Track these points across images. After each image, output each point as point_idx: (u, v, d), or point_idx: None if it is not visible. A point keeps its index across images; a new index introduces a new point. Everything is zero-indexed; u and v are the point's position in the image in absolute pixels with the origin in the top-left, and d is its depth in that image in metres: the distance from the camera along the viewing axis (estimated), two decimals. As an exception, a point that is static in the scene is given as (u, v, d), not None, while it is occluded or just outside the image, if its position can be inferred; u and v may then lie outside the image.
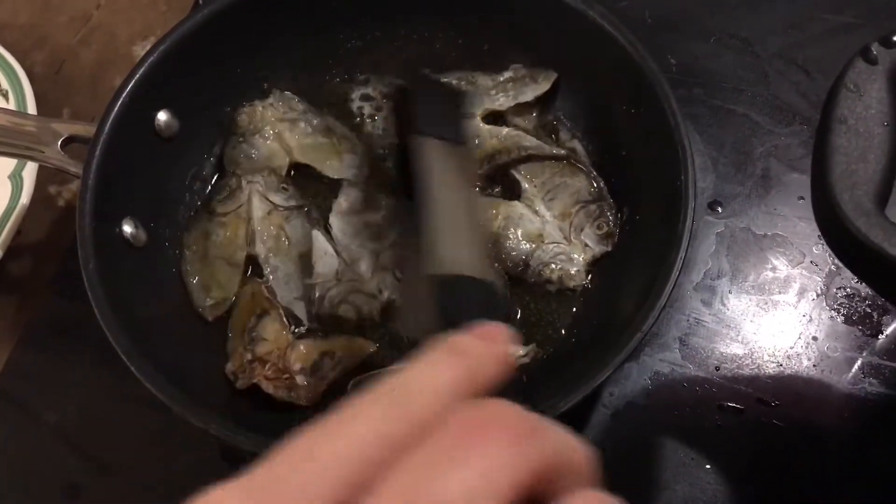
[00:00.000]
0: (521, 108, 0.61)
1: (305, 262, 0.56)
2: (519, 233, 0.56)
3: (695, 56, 0.67)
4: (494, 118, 0.61)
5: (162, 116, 0.58)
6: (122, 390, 0.50)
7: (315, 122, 0.61)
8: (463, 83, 0.62)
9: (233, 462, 0.53)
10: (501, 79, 0.61)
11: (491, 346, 0.24)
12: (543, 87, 0.60)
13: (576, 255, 0.55)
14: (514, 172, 0.58)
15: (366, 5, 0.61)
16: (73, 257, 0.49)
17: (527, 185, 0.58)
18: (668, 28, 0.68)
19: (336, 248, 0.55)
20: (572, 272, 0.55)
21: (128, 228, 0.54)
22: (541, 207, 0.57)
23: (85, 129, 0.55)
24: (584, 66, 0.59)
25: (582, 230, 0.56)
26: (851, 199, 0.34)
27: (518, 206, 0.57)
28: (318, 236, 0.56)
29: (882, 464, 0.51)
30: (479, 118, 0.60)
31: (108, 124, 0.54)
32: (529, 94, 0.60)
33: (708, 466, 0.51)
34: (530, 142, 0.59)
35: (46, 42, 0.75)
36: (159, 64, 0.57)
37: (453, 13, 0.61)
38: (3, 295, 0.62)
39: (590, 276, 0.56)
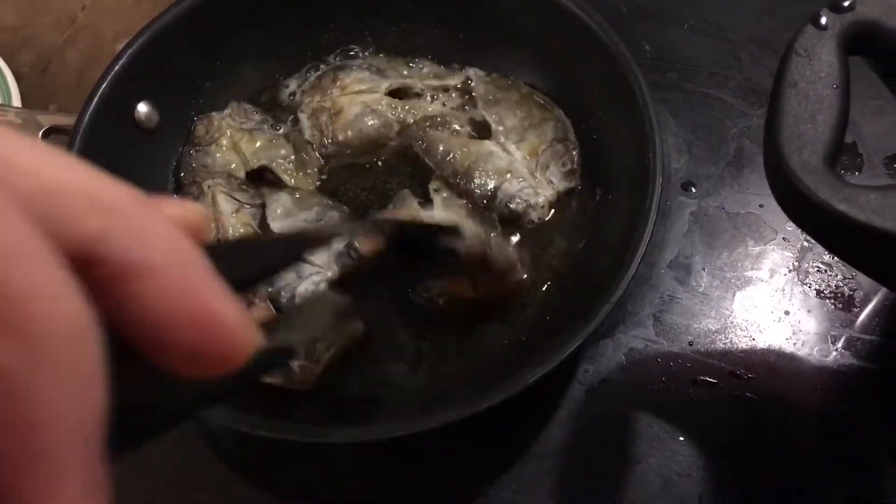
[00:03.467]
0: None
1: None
2: (488, 167, 0.58)
3: (669, 43, 0.68)
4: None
5: (142, 108, 0.59)
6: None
7: (270, 133, 0.62)
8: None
9: (217, 448, 0.54)
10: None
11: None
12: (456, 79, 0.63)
13: (541, 191, 0.58)
14: (486, 116, 0.61)
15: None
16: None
17: (499, 128, 0.60)
18: (643, 16, 0.69)
19: None
20: (536, 205, 0.57)
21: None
22: (510, 146, 0.60)
23: (66, 120, 0.56)
24: (559, 51, 0.60)
25: (548, 168, 0.59)
26: (800, 159, 0.35)
27: (488, 144, 0.60)
28: None
29: (854, 435, 0.52)
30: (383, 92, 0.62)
31: (87, 115, 0.55)
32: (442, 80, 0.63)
33: (682, 439, 0.52)
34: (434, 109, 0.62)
35: (33, 42, 0.76)
36: (139, 55, 0.58)
37: (430, 3, 0.62)
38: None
39: (553, 212, 0.58)
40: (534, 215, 0.58)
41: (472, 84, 0.63)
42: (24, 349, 0.13)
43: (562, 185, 0.59)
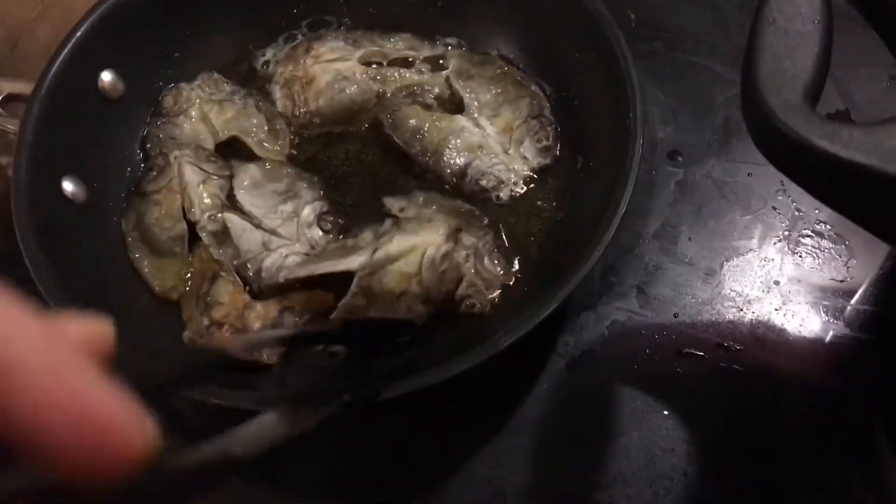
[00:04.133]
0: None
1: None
2: (458, 144, 0.56)
3: (655, 10, 0.66)
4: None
5: (106, 76, 0.57)
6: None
7: (241, 104, 0.60)
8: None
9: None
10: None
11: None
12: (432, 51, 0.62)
13: (514, 167, 0.56)
14: (459, 89, 0.58)
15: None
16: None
17: (473, 103, 0.58)
18: (629, -16, 0.67)
19: (254, 223, 0.54)
20: (508, 181, 0.55)
21: (69, 186, 0.53)
22: (483, 121, 0.57)
23: (25, 87, 0.54)
24: (538, 14, 0.58)
25: (522, 143, 0.56)
26: (778, 96, 0.33)
27: (461, 120, 0.57)
28: (232, 217, 0.54)
29: (845, 407, 0.49)
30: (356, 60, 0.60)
31: (47, 80, 0.53)
32: (416, 52, 0.61)
33: (666, 413, 0.49)
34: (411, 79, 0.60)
35: (3, 20, 0.74)
36: (103, 21, 0.56)
37: None
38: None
39: (525, 189, 0.56)
40: (505, 192, 0.55)
41: (447, 58, 0.61)
42: None
43: (536, 161, 0.56)
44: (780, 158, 0.34)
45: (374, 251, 0.50)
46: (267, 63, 0.63)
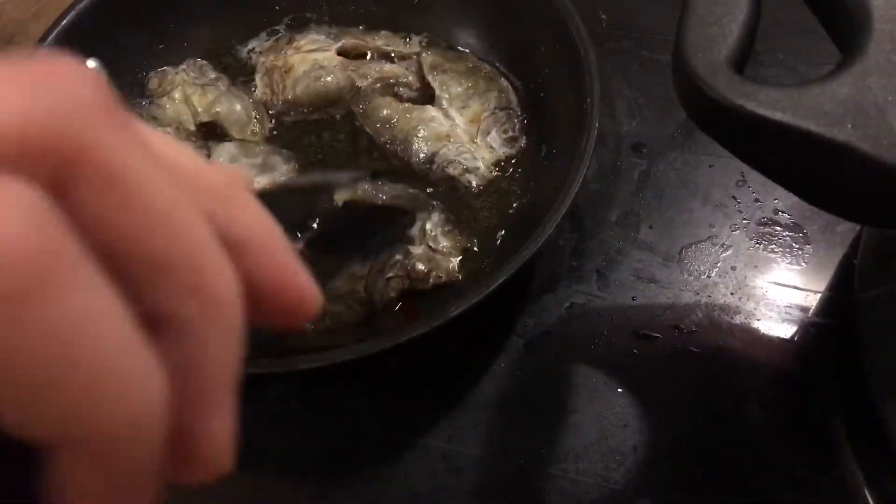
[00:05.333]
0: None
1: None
2: (427, 133, 0.58)
3: (626, 11, 0.68)
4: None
5: (90, 65, 0.59)
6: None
7: (224, 89, 0.62)
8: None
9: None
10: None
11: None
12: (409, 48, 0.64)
13: (479, 155, 0.57)
14: (431, 81, 0.61)
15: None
16: None
17: (444, 95, 0.60)
18: (600, -14, 0.70)
19: None
20: (475, 169, 0.57)
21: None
22: (452, 112, 0.59)
23: (9, 72, 0.56)
24: (507, 11, 0.60)
25: (489, 134, 0.58)
26: (701, 59, 0.34)
27: (430, 110, 0.59)
28: None
29: (797, 386, 0.50)
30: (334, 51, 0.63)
31: (31, 66, 0.55)
32: (393, 45, 0.63)
33: (620, 390, 0.50)
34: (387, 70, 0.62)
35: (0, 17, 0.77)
36: (86, 13, 0.58)
37: None
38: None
39: (491, 176, 0.57)
40: (472, 179, 0.57)
41: (422, 54, 0.63)
42: (205, 308, 0.16)
43: (502, 150, 0.58)
44: (704, 119, 0.35)
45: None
46: (251, 54, 0.65)
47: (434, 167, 0.57)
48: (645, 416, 0.49)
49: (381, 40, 0.65)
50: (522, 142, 0.59)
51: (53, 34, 0.57)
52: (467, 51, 0.63)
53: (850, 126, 0.32)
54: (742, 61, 0.35)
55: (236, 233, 0.18)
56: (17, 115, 0.14)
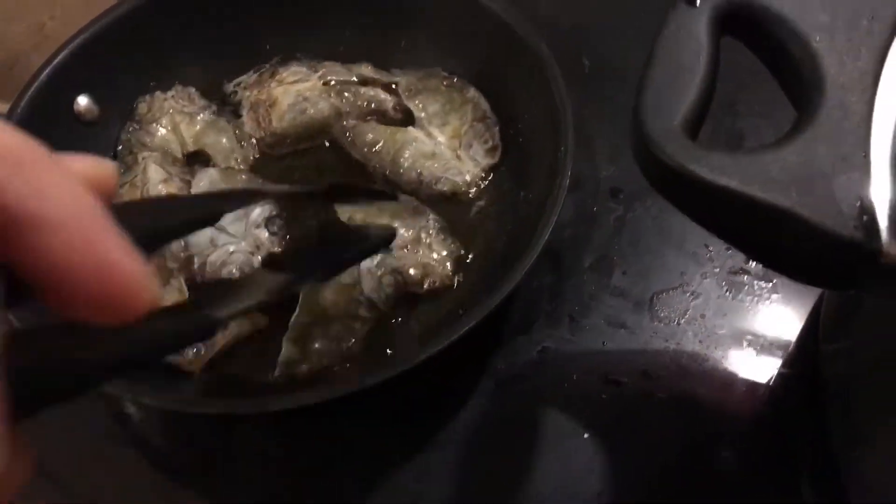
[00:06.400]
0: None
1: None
2: (413, 154, 0.60)
3: (607, 58, 0.70)
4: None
5: (82, 100, 0.61)
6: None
7: (212, 118, 0.64)
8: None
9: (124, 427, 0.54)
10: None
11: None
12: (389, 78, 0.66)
13: (465, 169, 0.60)
14: (408, 104, 0.63)
15: (276, 8, 0.65)
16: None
17: (422, 115, 0.62)
18: (583, 32, 0.71)
19: None
20: (463, 182, 0.59)
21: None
22: (433, 130, 0.62)
23: (1, 107, 0.58)
24: (492, 57, 0.62)
25: (471, 147, 0.61)
26: (656, 123, 0.35)
27: (413, 131, 0.62)
28: None
29: (761, 435, 0.51)
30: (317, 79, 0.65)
31: (23, 101, 0.57)
32: (372, 72, 0.66)
33: (586, 436, 0.51)
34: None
35: (3, 44, 0.79)
36: (81, 50, 0.60)
37: (356, 9, 0.65)
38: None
39: (476, 190, 0.60)
40: (462, 194, 0.59)
41: (396, 75, 0.65)
42: None
43: (485, 161, 0.61)
44: (658, 181, 0.37)
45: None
46: (237, 88, 0.66)
47: (423, 186, 0.59)
48: (610, 462, 0.50)
49: (363, 70, 0.66)
50: (500, 149, 0.61)
51: (49, 68, 0.59)
52: (437, 67, 0.65)
53: (794, 193, 0.33)
54: (697, 125, 0.37)
55: (14, 203, 0.17)
56: None
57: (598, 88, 0.68)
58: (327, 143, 0.63)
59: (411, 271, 0.54)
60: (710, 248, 0.58)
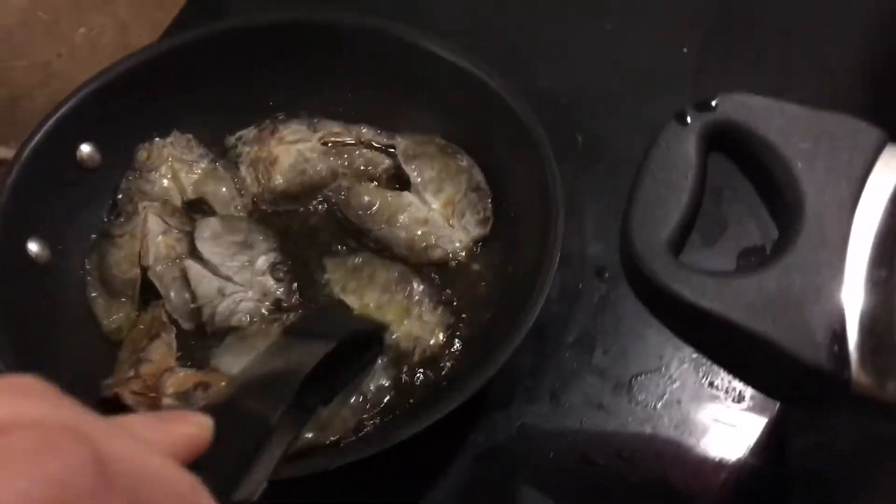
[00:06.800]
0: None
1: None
2: (406, 218, 0.61)
3: (601, 135, 0.72)
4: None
5: (85, 148, 0.62)
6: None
7: (210, 167, 0.65)
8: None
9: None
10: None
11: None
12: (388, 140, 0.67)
13: (457, 238, 0.61)
14: (405, 168, 0.64)
15: (280, 66, 0.67)
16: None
17: (418, 180, 0.63)
18: (580, 110, 0.73)
19: (211, 270, 0.59)
20: (453, 251, 0.61)
21: (34, 248, 0.57)
22: (428, 197, 0.63)
23: (7, 153, 0.59)
24: (486, 133, 0.63)
25: (463, 216, 0.62)
26: (644, 241, 0.37)
27: (408, 196, 0.63)
28: (192, 265, 0.58)
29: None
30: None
31: (28, 148, 0.58)
32: (370, 135, 0.67)
33: (561, 515, 0.52)
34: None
35: (6, 82, 0.79)
36: (87, 98, 0.61)
37: (359, 72, 0.66)
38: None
39: (466, 259, 0.61)
40: (451, 262, 0.60)
41: (396, 138, 0.66)
42: None
43: (476, 231, 0.62)
44: (642, 296, 0.38)
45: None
46: (237, 142, 0.68)
47: (414, 252, 0.61)
48: (581, 544, 0.51)
49: (362, 131, 0.68)
50: (492, 221, 0.62)
51: (54, 118, 0.60)
52: (436, 134, 0.66)
53: (771, 320, 0.35)
54: (684, 237, 0.38)
55: None
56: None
57: (590, 165, 0.70)
58: (321, 203, 0.64)
59: (402, 345, 0.55)
60: (690, 334, 0.60)
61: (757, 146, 0.40)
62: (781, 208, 0.39)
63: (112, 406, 0.52)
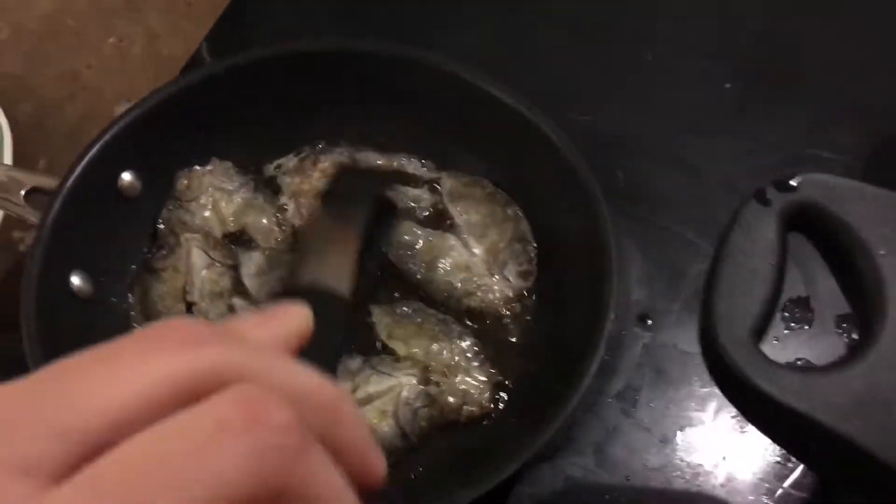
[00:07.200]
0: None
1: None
2: (448, 263, 0.60)
3: (643, 175, 0.71)
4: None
5: (126, 177, 0.61)
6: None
7: (249, 197, 0.64)
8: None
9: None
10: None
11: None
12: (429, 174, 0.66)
13: (497, 288, 0.59)
14: (450, 208, 0.63)
15: (322, 94, 0.65)
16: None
17: (461, 223, 0.62)
18: (622, 146, 0.72)
19: (257, 305, 0.58)
20: (493, 301, 0.59)
21: (76, 281, 0.56)
22: (471, 241, 0.61)
23: (49, 182, 0.58)
24: (536, 177, 0.62)
25: (505, 266, 0.60)
26: (730, 333, 0.37)
27: (450, 238, 0.62)
28: (239, 302, 0.58)
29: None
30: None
31: (70, 180, 0.57)
32: (412, 168, 0.66)
33: (606, 574, 0.52)
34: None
35: (35, 94, 0.78)
36: (129, 127, 0.60)
37: (402, 104, 0.65)
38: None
39: (506, 311, 0.59)
40: (490, 313, 0.59)
41: (441, 177, 0.65)
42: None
43: (518, 283, 0.60)
44: (726, 389, 0.38)
45: (355, 389, 0.53)
46: (277, 172, 0.67)
47: (454, 299, 0.60)
48: None
49: (404, 162, 0.66)
50: (536, 274, 0.61)
51: (96, 147, 0.59)
52: (482, 177, 0.65)
53: (857, 421, 0.35)
54: (765, 325, 0.38)
55: (342, 443, 0.22)
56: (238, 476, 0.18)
57: (633, 207, 0.69)
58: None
59: (450, 399, 0.54)
60: (734, 387, 0.59)
61: (838, 229, 0.40)
62: (862, 297, 0.39)
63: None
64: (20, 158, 0.70)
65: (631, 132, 0.74)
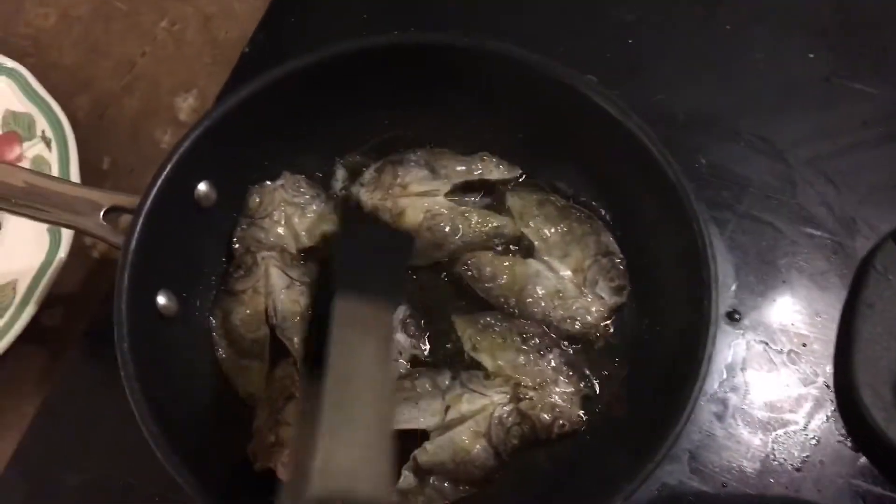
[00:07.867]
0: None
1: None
2: (539, 291, 0.59)
3: (724, 158, 0.68)
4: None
5: (202, 187, 0.60)
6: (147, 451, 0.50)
7: (322, 208, 0.62)
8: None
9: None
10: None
11: None
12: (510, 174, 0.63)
13: (594, 309, 0.58)
14: (524, 230, 0.61)
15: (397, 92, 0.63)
16: (105, 313, 0.51)
17: (540, 244, 0.60)
18: (700, 127, 0.69)
19: None
20: (591, 324, 0.58)
21: (162, 300, 0.56)
22: (555, 263, 0.60)
23: (128, 201, 0.56)
24: (621, 183, 0.60)
25: (596, 284, 0.59)
26: (872, 390, 0.35)
27: (533, 264, 0.60)
28: None
29: None
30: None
31: (150, 198, 0.55)
32: (495, 174, 0.63)
33: (708, 584, 0.52)
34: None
35: (91, 86, 0.76)
36: (204, 136, 0.58)
37: (499, 109, 0.62)
38: (35, 347, 0.63)
39: (603, 330, 0.58)
40: (591, 334, 0.58)
41: (507, 198, 0.62)
42: None
43: (612, 300, 0.59)
44: (863, 442, 0.37)
45: (447, 409, 0.53)
46: (352, 183, 0.65)
47: (552, 327, 0.58)
48: None
49: (475, 165, 0.64)
50: (628, 287, 0.59)
51: (175, 157, 0.57)
52: (550, 193, 0.63)
53: None
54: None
55: None
56: None
57: (715, 193, 0.67)
58: (445, 259, 0.62)
59: (543, 416, 0.54)
60: (829, 388, 0.58)
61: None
62: None
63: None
64: (84, 160, 0.68)
65: (709, 111, 0.71)
